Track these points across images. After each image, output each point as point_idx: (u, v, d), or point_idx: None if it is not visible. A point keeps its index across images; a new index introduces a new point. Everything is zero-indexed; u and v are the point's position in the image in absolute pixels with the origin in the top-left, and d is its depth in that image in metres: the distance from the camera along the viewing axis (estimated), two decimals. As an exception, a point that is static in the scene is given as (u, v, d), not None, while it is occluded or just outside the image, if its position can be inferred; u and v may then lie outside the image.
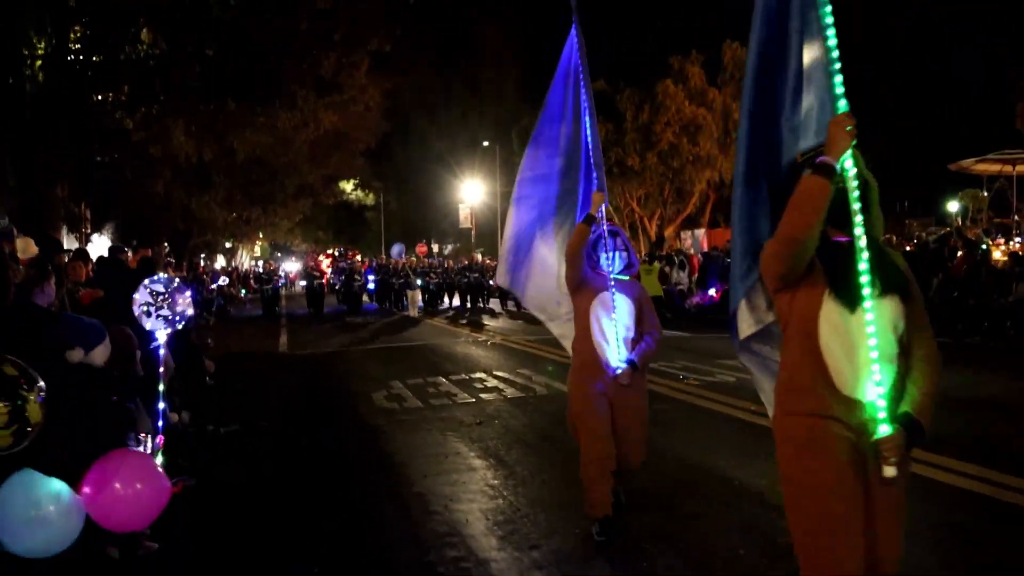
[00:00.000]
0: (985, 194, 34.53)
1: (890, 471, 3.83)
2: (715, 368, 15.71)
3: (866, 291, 3.88)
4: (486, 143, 64.06)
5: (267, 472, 9.63)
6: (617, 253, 7.00)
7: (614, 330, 6.82)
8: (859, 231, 3.92)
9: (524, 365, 17.47)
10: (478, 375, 16.28)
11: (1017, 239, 26.76)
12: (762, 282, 4.42)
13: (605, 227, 7.04)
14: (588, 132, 7.34)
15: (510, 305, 37.39)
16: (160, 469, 4.08)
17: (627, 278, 7.10)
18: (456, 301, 41.43)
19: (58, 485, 3.84)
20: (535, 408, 12.85)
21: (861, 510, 3.90)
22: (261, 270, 43.76)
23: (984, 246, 23.11)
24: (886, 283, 3.95)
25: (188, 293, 7.63)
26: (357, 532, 7.42)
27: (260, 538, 7.31)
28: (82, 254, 11.65)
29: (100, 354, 5.24)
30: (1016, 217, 30.12)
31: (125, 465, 3.98)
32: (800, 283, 4.03)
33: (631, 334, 6.92)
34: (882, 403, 3.86)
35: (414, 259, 46.15)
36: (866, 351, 3.86)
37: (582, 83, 7.41)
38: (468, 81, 74.78)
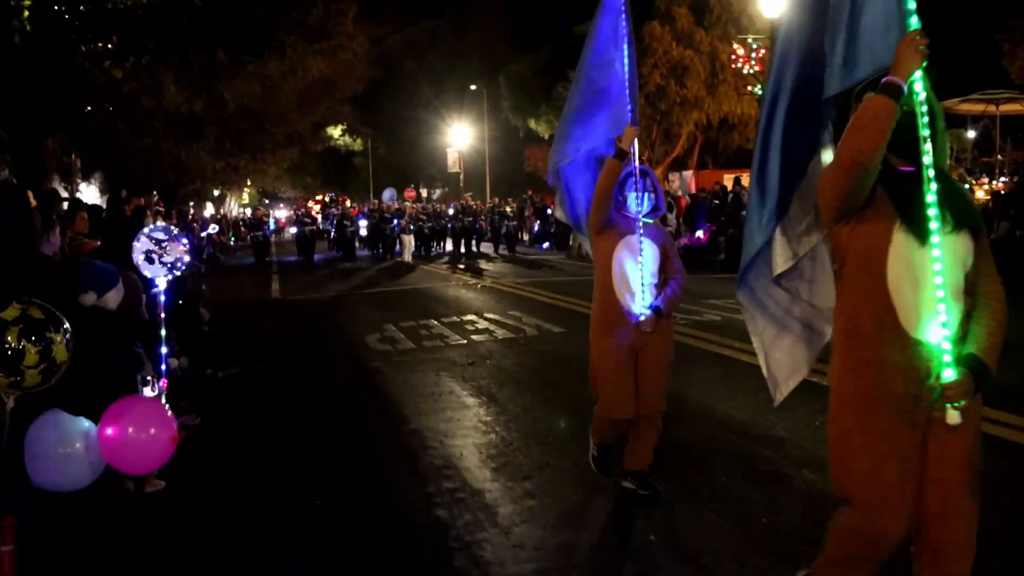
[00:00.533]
0: (970, 134, 34.70)
1: (954, 417, 3.64)
2: (702, 308, 16.07)
3: (934, 224, 3.63)
4: (474, 87, 63.92)
5: (267, 412, 9.93)
6: (646, 194, 6.54)
7: (639, 275, 6.43)
8: (927, 159, 3.66)
9: (514, 307, 17.75)
10: (469, 317, 16.58)
11: (1001, 179, 27.01)
12: (789, 218, 4.39)
13: (636, 165, 6.56)
14: (627, 62, 6.67)
15: (502, 249, 37.97)
16: (170, 415, 4.33)
17: (652, 221, 6.64)
18: (449, 246, 41.28)
19: (85, 424, 4.11)
20: (525, 348, 13.17)
21: (914, 471, 3.77)
22: (251, 216, 43.09)
23: (967, 185, 23.37)
24: (957, 217, 3.73)
25: (185, 241, 7.86)
26: (356, 467, 7.76)
27: (261, 475, 7.62)
28: (80, 204, 11.85)
29: (113, 298, 5.46)
30: (1000, 156, 30.33)
31: (138, 410, 4.24)
32: (862, 215, 3.79)
33: (656, 280, 6.53)
34: (947, 345, 3.65)
35: (408, 204, 45.48)
36: (933, 288, 3.65)
37: (624, 12, 6.72)
38: (455, 25, 74.47)
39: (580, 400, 8.70)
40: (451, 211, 42.95)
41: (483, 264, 31.77)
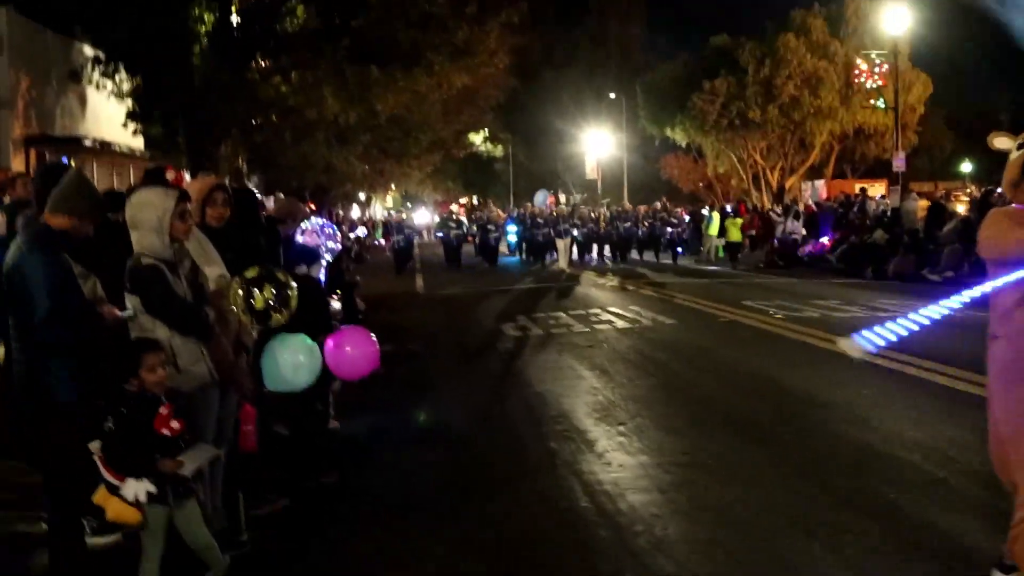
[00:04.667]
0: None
1: None
2: (805, 306, 17.51)
3: None
4: (612, 95, 65.33)
5: (420, 379, 11.97)
6: None
7: None
8: None
9: (636, 303, 19.46)
10: (594, 311, 18.35)
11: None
12: None
13: None
14: None
15: (664, 258, 36.73)
16: (373, 338, 6.43)
17: None
18: (598, 253, 38.97)
19: (309, 340, 6.13)
20: (639, 336, 14.96)
21: None
22: (393, 219, 42.32)
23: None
24: None
25: (336, 233, 10.01)
26: (491, 417, 9.80)
27: (419, 419, 9.73)
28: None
29: (316, 269, 7.63)
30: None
31: (353, 334, 6.37)
32: None
33: None
34: None
35: (563, 208, 43.28)
36: None
37: None
38: (594, 34, 76.38)
39: (673, 374, 11.31)
40: (613, 215, 39.66)
41: (647, 273, 29.62)
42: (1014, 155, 4.64)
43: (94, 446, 4.91)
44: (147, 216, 5.32)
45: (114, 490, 4.86)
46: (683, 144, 55.82)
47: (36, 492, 6.00)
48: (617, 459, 7.78)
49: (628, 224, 37.76)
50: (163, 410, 4.99)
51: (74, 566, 5.29)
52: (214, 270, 5.83)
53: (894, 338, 4.56)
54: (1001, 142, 4.78)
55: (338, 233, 10.15)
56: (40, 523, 5.98)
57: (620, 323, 16.45)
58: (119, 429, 4.92)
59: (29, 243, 5.06)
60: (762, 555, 5.69)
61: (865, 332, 4.55)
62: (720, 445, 8.20)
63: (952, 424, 8.37)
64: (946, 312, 4.58)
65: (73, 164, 18.74)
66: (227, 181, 23.82)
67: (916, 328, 4.59)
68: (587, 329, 15.84)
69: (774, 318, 15.96)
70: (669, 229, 37.19)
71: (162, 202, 5.36)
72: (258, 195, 20.69)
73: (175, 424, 5.00)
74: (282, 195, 29.09)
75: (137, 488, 4.84)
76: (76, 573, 5.30)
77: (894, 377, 10.61)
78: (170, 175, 5.85)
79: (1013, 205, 4.68)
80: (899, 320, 4.55)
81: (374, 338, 6.68)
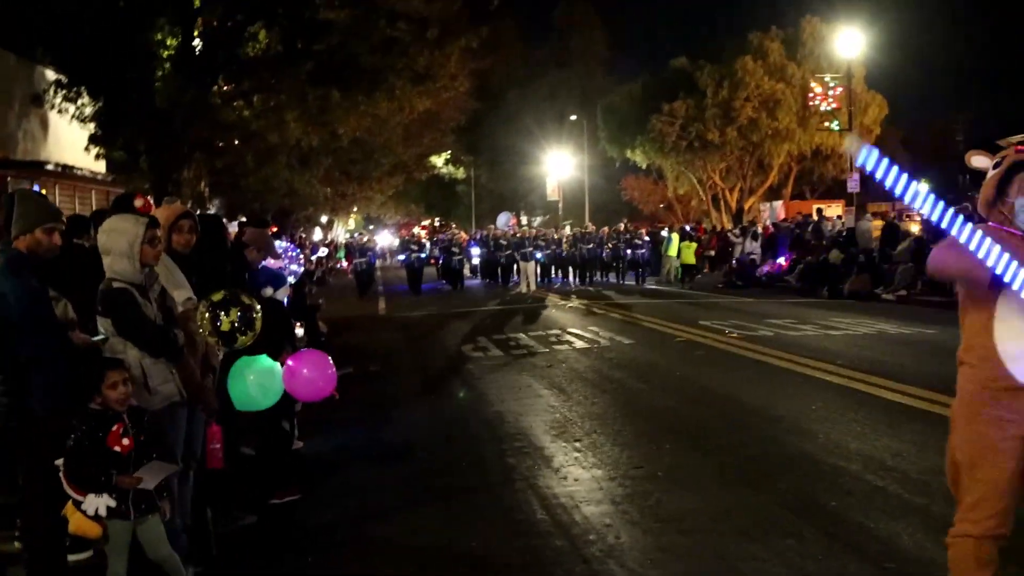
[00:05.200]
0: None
1: None
2: (760, 325, 17.86)
3: None
4: (573, 117, 65.76)
5: (381, 400, 12.20)
6: None
7: None
8: None
9: (595, 324, 19.80)
10: (554, 332, 18.64)
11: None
12: None
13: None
14: None
15: (628, 279, 36.53)
16: (331, 361, 6.63)
17: None
18: (571, 276, 38.17)
19: (271, 363, 6.37)
20: (597, 356, 15.24)
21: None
22: (355, 241, 41.61)
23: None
24: None
25: (300, 255, 10.23)
26: (450, 434, 10.06)
27: (378, 441, 9.92)
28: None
29: (282, 293, 7.87)
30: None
31: (310, 358, 6.55)
32: None
33: None
34: None
35: (527, 229, 42.70)
36: None
37: None
38: (557, 56, 76.96)
39: (628, 391, 11.69)
40: (576, 237, 38.72)
41: (610, 294, 29.70)
42: (991, 173, 4.55)
43: (59, 462, 5.14)
44: (118, 242, 5.54)
45: (77, 504, 5.09)
46: (643, 166, 56.27)
47: (10, 511, 6.19)
48: (573, 473, 8.07)
49: (591, 246, 37.05)
50: (115, 427, 5.18)
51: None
52: (181, 293, 6.07)
53: (880, 169, 3.86)
54: (979, 160, 4.67)
55: (301, 256, 10.47)
56: (14, 542, 6.17)
57: (579, 343, 16.74)
58: (76, 445, 5.12)
59: (3, 269, 5.28)
60: (709, 560, 6.00)
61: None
62: (671, 457, 8.53)
63: (892, 436, 8.76)
64: (931, 207, 3.92)
65: (43, 190, 18.90)
66: (189, 205, 24.12)
67: (898, 181, 3.90)
68: (547, 350, 16.11)
69: (729, 337, 16.31)
70: (629, 251, 36.63)
71: (133, 229, 5.58)
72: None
73: (125, 441, 5.16)
74: (244, 219, 29.26)
75: (97, 503, 5.06)
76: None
77: (842, 392, 11.04)
78: (139, 202, 6.02)
79: (989, 223, 4.55)
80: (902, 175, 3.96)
81: (330, 361, 6.87)
